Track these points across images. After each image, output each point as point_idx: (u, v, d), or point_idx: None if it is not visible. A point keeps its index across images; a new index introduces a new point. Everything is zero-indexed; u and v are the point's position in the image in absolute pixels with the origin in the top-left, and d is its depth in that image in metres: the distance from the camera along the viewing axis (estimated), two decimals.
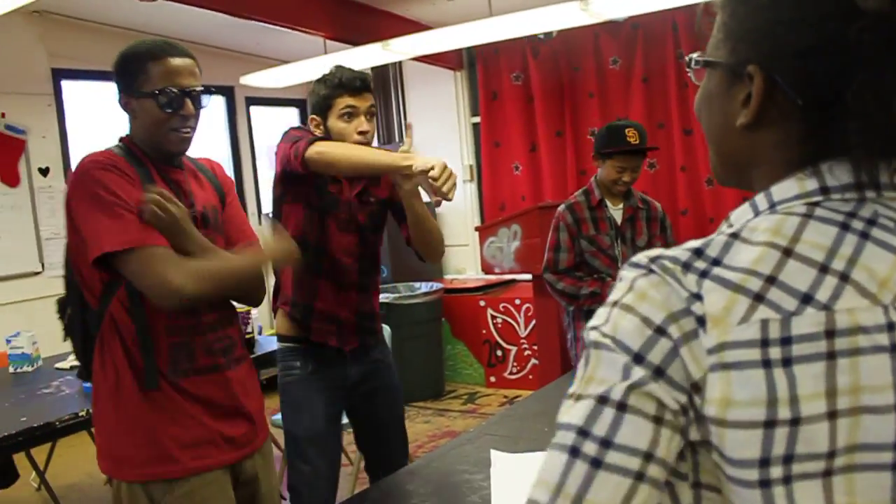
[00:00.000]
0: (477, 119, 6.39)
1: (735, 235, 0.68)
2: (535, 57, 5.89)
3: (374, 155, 2.33)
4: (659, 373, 0.65)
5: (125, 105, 1.81)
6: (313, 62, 4.91)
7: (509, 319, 5.65)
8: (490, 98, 6.19)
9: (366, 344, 2.61)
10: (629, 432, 0.65)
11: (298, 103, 7.16)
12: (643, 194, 3.36)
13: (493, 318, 5.73)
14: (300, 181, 2.42)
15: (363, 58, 4.83)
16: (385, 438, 2.68)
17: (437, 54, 5.31)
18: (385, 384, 2.66)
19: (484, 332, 5.80)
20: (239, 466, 1.89)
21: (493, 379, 5.81)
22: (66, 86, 5.20)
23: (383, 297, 5.52)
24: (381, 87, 6.71)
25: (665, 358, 0.65)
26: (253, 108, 6.76)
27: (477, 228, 5.58)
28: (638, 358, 0.66)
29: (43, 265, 5.03)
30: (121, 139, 1.86)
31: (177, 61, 1.77)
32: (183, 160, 1.92)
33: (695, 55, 0.79)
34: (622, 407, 0.65)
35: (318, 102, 2.46)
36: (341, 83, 2.42)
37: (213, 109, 6.52)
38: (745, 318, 0.63)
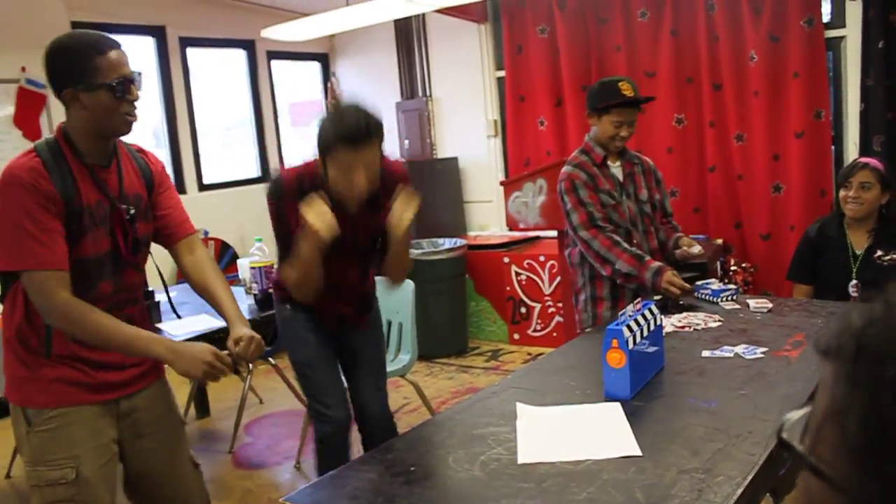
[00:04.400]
0: (501, 73, 6.29)
1: None
2: (562, 9, 5.76)
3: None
4: None
5: (71, 98, 1.91)
6: (335, 14, 4.82)
7: (533, 276, 5.61)
8: (515, 51, 6.08)
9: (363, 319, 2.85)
10: None
11: (320, 57, 7.09)
12: (631, 150, 3.28)
13: (517, 274, 5.69)
14: (286, 236, 2.53)
15: (385, 10, 4.75)
16: (364, 374, 2.82)
17: (461, 6, 5.18)
18: (372, 320, 2.88)
19: (508, 288, 5.76)
20: (116, 403, 2.10)
21: (516, 336, 5.79)
22: None
23: None
24: (405, 41, 6.62)
25: None
26: (274, 63, 6.69)
27: (502, 183, 5.51)
28: None
29: None
30: (57, 134, 1.98)
31: (119, 52, 1.93)
32: (119, 146, 2.08)
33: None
34: None
35: (319, 143, 2.41)
36: (337, 132, 2.35)
37: (234, 64, 6.48)
38: None
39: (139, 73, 1.97)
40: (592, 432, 1.83)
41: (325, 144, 2.38)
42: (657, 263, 2.96)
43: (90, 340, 1.95)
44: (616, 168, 3.18)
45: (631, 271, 2.95)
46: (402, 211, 2.42)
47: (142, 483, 2.22)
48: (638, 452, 1.69)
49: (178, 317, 2.37)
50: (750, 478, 1.55)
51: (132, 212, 2.06)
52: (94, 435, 2.04)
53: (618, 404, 1.98)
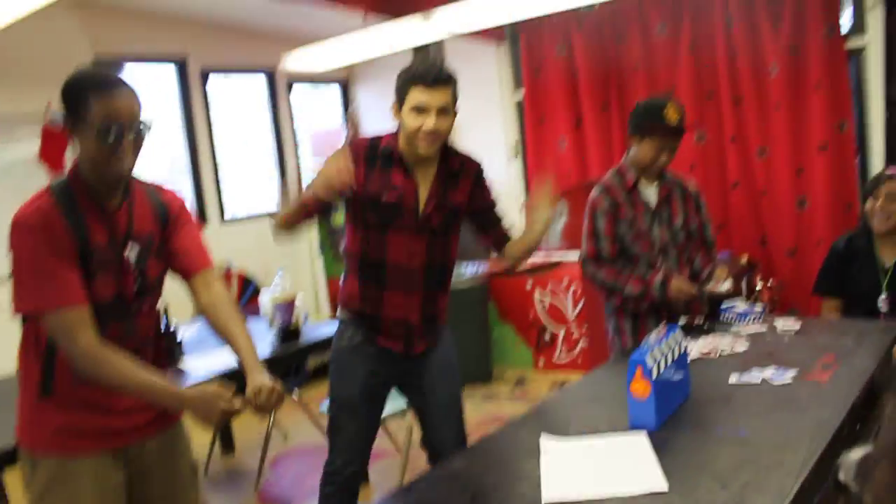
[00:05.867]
0: (520, 95, 6.28)
1: None
2: (580, 28, 5.74)
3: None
4: None
5: (71, 135, 1.89)
6: (351, 38, 4.82)
7: (556, 301, 5.56)
8: (533, 73, 6.07)
9: (431, 342, 2.65)
10: None
11: (340, 82, 7.12)
12: (674, 173, 3.17)
13: (541, 299, 5.65)
14: (349, 203, 2.53)
15: (404, 31, 4.73)
16: (439, 420, 2.69)
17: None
18: (442, 361, 2.68)
19: (531, 314, 5.72)
20: (125, 451, 2.05)
21: (541, 362, 5.74)
22: None
23: None
24: None
25: None
26: (295, 87, 6.74)
27: (523, 206, 5.48)
28: None
29: None
30: (70, 171, 1.95)
31: (119, 97, 1.84)
32: (133, 183, 2.04)
33: None
34: None
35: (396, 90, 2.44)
36: (414, 72, 2.39)
37: (254, 90, 6.52)
38: None
39: (142, 123, 1.88)
40: (618, 466, 1.79)
41: (401, 89, 2.40)
42: (660, 275, 2.94)
43: (109, 386, 1.90)
44: (650, 191, 3.07)
45: (640, 292, 2.95)
46: (543, 212, 2.59)
47: None
48: (664, 488, 1.65)
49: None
50: None
51: (137, 253, 2.01)
52: (99, 485, 1.99)
53: (643, 435, 1.94)
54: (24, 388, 2.01)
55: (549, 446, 1.94)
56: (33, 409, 1.99)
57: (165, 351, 2.28)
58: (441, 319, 2.68)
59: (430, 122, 2.37)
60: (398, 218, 2.47)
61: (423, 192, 2.51)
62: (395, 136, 2.51)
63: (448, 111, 2.42)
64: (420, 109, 2.37)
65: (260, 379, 1.96)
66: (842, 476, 0.59)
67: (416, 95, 2.37)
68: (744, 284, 4.88)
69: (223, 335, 2.11)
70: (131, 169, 1.95)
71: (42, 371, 1.95)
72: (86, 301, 1.87)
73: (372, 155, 2.49)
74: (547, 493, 1.69)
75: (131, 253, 2.00)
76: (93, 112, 1.81)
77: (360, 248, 2.55)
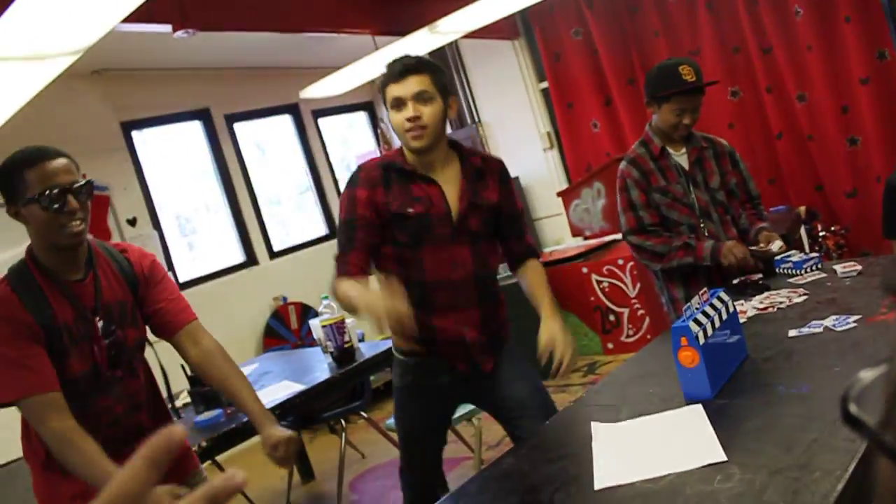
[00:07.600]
0: (545, 84, 6.18)
1: None
2: (591, 7, 5.63)
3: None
4: None
5: (15, 215, 1.91)
6: (365, 61, 4.82)
7: (615, 281, 5.41)
8: (553, 60, 5.97)
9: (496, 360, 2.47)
10: None
11: (365, 106, 7.12)
12: (704, 133, 3.06)
13: (599, 282, 5.51)
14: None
15: (412, 46, 4.71)
16: (522, 413, 2.48)
17: (490, 26, 5.06)
18: (507, 371, 2.52)
19: (592, 298, 5.58)
20: None
21: (610, 345, 5.59)
22: (137, 136, 5.31)
23: None
24: None
25: None
26: (321, 120, 6.75)
27: (559, 194, 5.36)
28: None
29: None
30: (25, 255, 1.98)
31: (51, 163, 1.86)
32: (96, 251, 2.04)
33: None
34: None
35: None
36: (385, 73, 2.25)
37: (281, 127, 6.55)
38: None
39: (80, 183, 1.90)
40: (672, 442, 1.69)
41: (383, 98, 2.27)
42: (709, 241, 2.82)
43: (73, 470, 1.85)
44: (680, 156, 2.96)
45: (688, 241, 2.85)
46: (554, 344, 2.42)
47: None
48: (722, 458, 1.54)
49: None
50: (851, 469, 1.38)
51: (112, 327, 2.00)
52: None
53: (699, 406, 1.83)
54: (32, 466, 2.01)
55: (600, 431, 1.84)
56: (46, 483, 1.98)
57: (164, 412, 2.25)
58: (505, 332, 2.54)
59: (407, 111, 2.19)
60: (431, 229, 2.25)
61: (452, 195, 2.29)
62: (399, 150, 2.35)
63: (427, 97, 2.20)
64: (397, 104, 2.22)
65: (274, 432, 1.95)
66: (853, 409, 0.43)
67: (390, 93, 2.22)
68: (803, 234, 4.67)
69: (223, 388, 2.10)
70: (83, 232, 1.94)
71: (46, 449, 1.93)
72: (55, 386, 1.87)
73: (386, 175, 2.29)
74: (599, 479, 1.60)
75: (102, 324, 1.98)
76: (31, 184, 1.84)
77: (396, 271, 2.29)
